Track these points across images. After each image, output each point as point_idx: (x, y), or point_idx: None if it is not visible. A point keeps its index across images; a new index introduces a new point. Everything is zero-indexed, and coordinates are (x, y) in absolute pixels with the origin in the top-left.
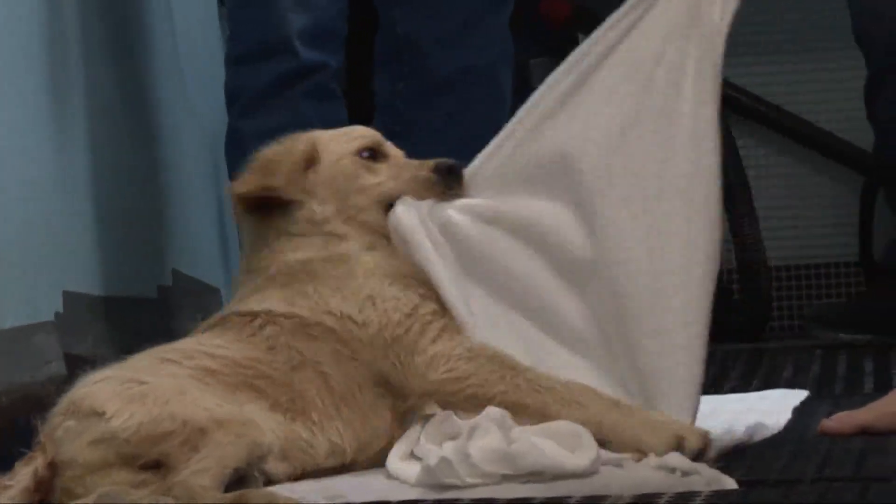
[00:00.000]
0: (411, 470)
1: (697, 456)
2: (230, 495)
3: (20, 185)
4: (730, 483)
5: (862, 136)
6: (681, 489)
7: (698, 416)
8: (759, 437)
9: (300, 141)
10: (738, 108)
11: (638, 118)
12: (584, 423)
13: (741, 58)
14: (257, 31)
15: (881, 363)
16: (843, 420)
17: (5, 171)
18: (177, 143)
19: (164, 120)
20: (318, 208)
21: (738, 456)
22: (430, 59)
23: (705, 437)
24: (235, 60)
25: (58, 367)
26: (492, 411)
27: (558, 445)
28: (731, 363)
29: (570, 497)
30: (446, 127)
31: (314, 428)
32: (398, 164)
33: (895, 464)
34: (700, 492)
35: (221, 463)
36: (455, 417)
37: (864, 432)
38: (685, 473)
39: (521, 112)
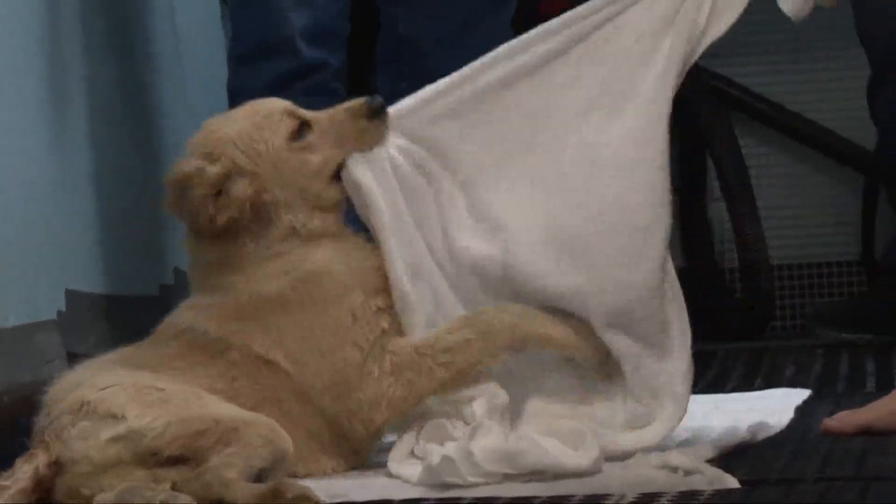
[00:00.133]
0: (412, 469)
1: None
2: (265, 485)
3: (20, 185)
4: (732, 482)
5: (864, 135)
6: (683, 488)
7: (697, 416)
8: (761, 436)
9: (211, 162)
10: (740, 106)
11: (601, 101)
12: (503, 331)
13: (743, 57)
14: (258, 30)
15: (883, 362)
16: (844, 419)
17: (5, 171)
18: (177, 143)
19: (164, 120)
20: (292, 216)
21: (740, 455)
22: (431, 59)
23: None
24: (237, 60)
25: (60, 366)
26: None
27: (560, 444)
28: (732, 362)
29: (572, 496)
30: None
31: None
32: (323, 128)
33: None
34: (702, 491)
35: (248, 462)
36: (449, 424)
37: (866, 432)
38: (687, 472)
39: (476, 65)
